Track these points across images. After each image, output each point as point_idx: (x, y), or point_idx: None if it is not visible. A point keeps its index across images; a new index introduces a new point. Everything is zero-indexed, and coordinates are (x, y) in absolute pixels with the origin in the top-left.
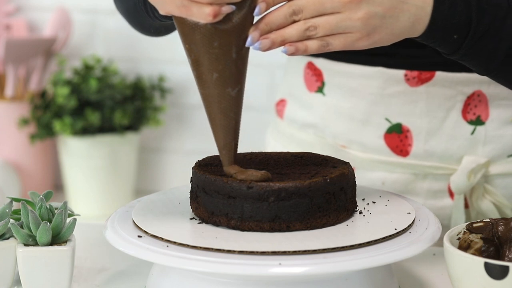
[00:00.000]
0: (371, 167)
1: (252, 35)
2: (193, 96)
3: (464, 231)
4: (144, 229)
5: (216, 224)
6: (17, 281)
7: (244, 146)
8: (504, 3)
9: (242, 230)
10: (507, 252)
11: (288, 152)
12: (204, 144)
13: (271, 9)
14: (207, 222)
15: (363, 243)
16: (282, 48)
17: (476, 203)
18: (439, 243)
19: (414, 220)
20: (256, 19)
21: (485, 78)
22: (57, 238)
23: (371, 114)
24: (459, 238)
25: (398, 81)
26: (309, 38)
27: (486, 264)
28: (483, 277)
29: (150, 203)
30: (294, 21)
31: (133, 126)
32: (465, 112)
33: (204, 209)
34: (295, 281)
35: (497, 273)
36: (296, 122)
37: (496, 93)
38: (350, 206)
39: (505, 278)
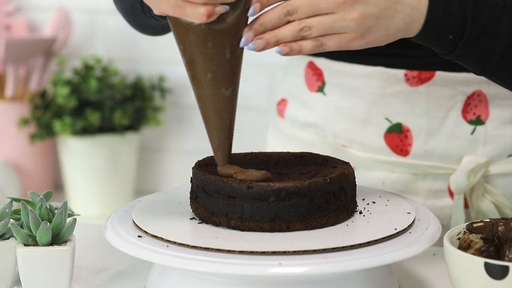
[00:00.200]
0: (371, 166)
1: (246, 35)
2: (193, 96)
3: (464, 231)
4: (144, 229)
5: (216, 224)
6: (17, 281)
7: (244, 146)
8: (500, 3)
9: (242, 230)
10: (507, 252)
11: (288, 152)
12: (204, 144)
13: (266, 9)
14: (207, 222)
15: (363, 243)
16: (276, 48)
17: (476, 203)
18: (439, 243)
19: (414, 220)
20: (250, 19)
21: (485, 78)
22: (57, 238)
23: (371, 114)
24: (459, 238)
25: (398, 80)
26: (303, 38)
27: (486, 264)
28: (483, 277)
29: (150, 203)
30: (289, 22)
31: (133, 126)
32: (465, 112)
33: (204, 209)
34: (295, 281)
35: (497, 273)
36: (297, 122)
37: (496, 93)
38: (350, 206)
39: (505, 278)
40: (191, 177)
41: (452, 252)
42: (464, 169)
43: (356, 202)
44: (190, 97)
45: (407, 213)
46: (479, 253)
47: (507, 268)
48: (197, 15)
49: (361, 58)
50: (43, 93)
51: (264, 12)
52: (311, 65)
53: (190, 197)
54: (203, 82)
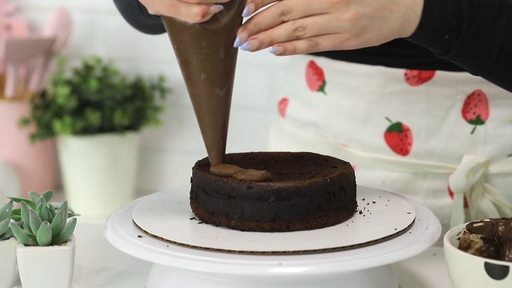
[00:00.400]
0: (371, 166)
1: (241, 35)
2: None
3: (464, 231)
4: (144, 229)
5: (216, 224)
6: (17, 281)
7: (244, 146)
8: (497, 3)
9: (242, 230)
10: (507, 252)
11: (288, 152)
12: (204, 144)
13: (260, 9)
14: (207, 222)
15: (363, 243)
16: (270, 48)
17: (476, 202)
18: (439, 243)
19: (414, 220)
20: (245, 19)
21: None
22: (57, 238)
23: (371, 113)
24: (459, 238)
25: (398, 80)
26: (297, 38)
27: (486, 264)
28: (483, 277)
29: (150, 203)
30: (283, 22)
31: (133, 126)
32: (465, 111)
33: (204, 209)
34: (295, 281)
35: (497, 273)
36: (298, 121)
37: (496, 93)
38: (350, 206)
39: (505, 278)
40: (191, 177)
41: (452, 252)
42: (464, 169)
43: (356, 202)
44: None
45: (407, 213)
46: (479, 253)
47: (507, 268)
48: (191, 14)
49: (361, 58)
50: (43, 93)
51: (258, 12)
52: (312, 65)
53: (190, 197)
54: (197, 82)
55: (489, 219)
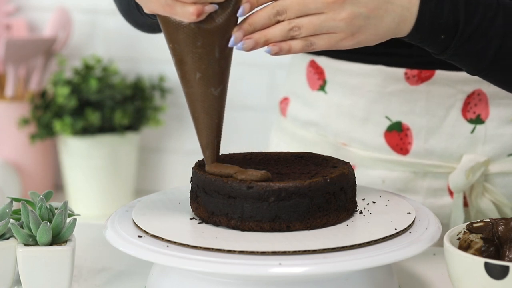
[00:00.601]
0: (371, 165)
1: (236, 35)
2: None
3: (464, 231)
4: (144, 229)
5: (216, 224)
6: (17, 281)
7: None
8: (494, 2)
9: (242, 230)
10: (507, 252)
11: (288, 152)
12: None
13: (255, 9)
14: (207, 222)
15: (363, 243)
16: (265, 48)
17: (476, 202)
18: (439, 243)
19: (414, 220)
20: (240, 19)
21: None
22: (57, 238)
23: (372, 112)
24: (459, 238)
25: (398, 79)
26: (293, 38)
27: (486, 264)
28: (483, 277)
29: (150, 203)
30: (278, 22)
31: (133, 126)
32: (465, 110)
33: (204, 209)
34: (295, 281)
35: (497, 273)
36: (299, 120)
37: (496, 92)
38: (350, 206)
39: (505, 278)
40: (191, 177)
41: (452, 252)
42: (463, 168)
43: (356, 202)
44: None
45: (407, 213)
46: (479, 253)
47: (507, 268)
48: (186, 14)
49: (362, 57)
50: (43, 93)
51: (253, 12)
52: (312, 64)
53: (190, 197)
54: (192, 81)
55: (489, 219)
